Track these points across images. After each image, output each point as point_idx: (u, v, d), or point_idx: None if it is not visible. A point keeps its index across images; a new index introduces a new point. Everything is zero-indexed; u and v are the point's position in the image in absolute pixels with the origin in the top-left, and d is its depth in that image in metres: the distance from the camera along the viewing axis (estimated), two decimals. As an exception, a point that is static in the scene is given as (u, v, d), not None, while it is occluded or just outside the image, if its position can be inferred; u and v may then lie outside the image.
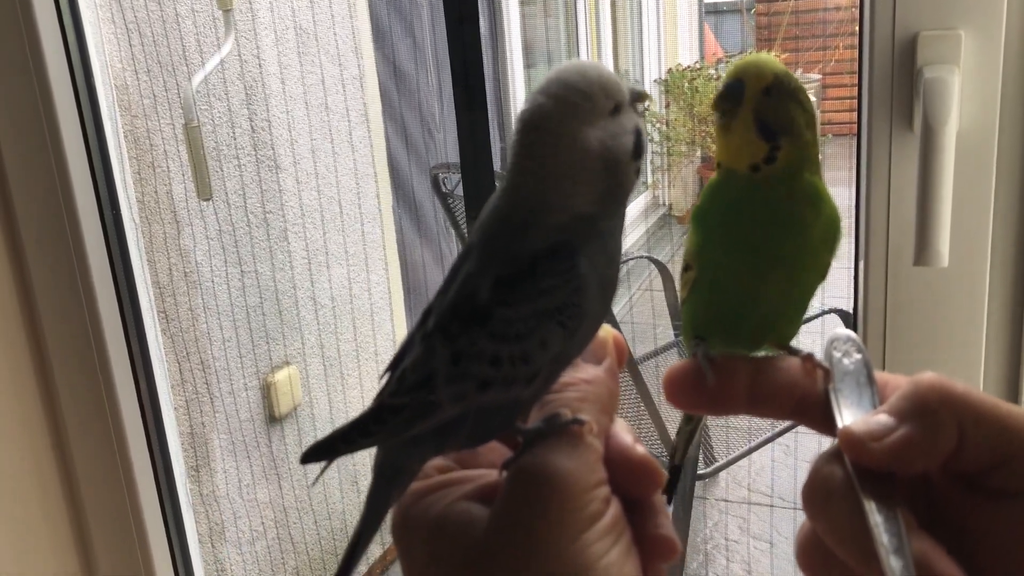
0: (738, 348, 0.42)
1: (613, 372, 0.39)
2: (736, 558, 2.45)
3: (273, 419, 2.08)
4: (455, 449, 0.38)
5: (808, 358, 0.40)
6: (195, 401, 1.85)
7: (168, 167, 1.74)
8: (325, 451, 0.36)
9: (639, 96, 0.38)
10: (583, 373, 0.39)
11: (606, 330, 0.40)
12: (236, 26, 1.82)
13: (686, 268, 0.43)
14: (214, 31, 1.82)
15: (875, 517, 0.33)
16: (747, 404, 0.39)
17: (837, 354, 0.40)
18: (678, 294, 0.45)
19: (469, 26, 1.12)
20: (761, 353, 0.42)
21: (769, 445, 2.31)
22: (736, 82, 0.40)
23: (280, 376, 2.07)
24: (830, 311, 1.96)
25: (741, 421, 2.21)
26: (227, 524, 1.92)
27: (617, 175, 0.36)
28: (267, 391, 2.04)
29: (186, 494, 1.44)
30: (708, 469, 2.17)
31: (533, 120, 0.36)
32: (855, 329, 0.93)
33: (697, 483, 2.41)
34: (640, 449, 0.37)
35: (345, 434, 0.36)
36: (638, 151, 0.37)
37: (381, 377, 0.37)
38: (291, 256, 2.08)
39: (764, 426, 2.16)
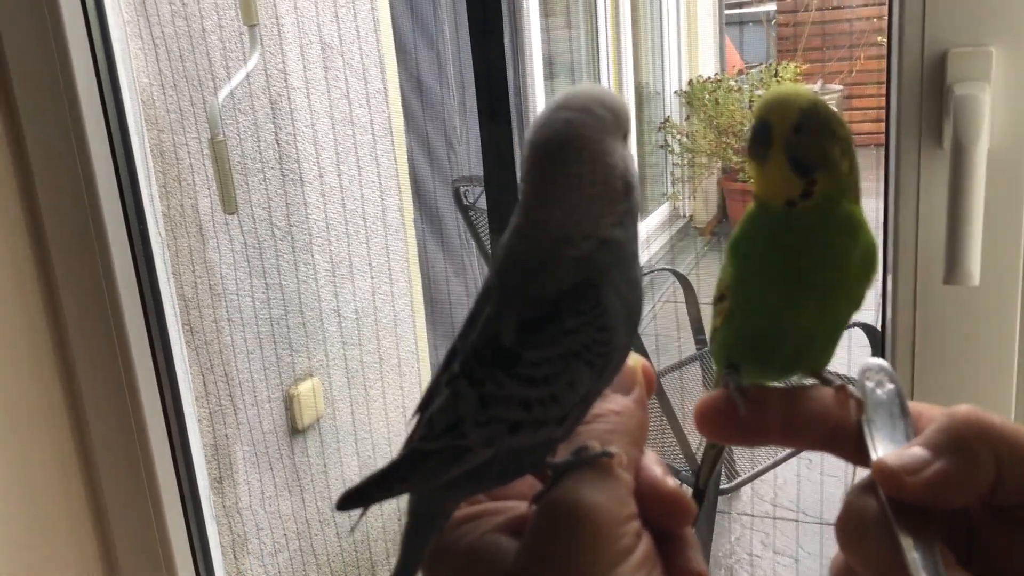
0: (771, 377, 0.41)
1: (642, 402, 0.39)
2: (759, 574, 2.42)
3: (296, 431, 2.08)
4: (488, 489, 0.38)
5: (841, 388, 0.39)
6: (219, 413, 1.86)
7: (194, 181, 1.76)
8: (360, 498, 0.36)
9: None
10: (612, 404, 0.38)
11: (635, 359, 0.39)
12: (261, 41, 1.84)
13: (720, 298, 0.42)
14: (240, 46, 1.84)
15: (912, 553, 0.32)
16: (779, 435, 0.39)
17: (870, 384, 0.39)
18: (710, 322, 0.44)
19: (493, 39, 1.12)
20: (793, 380, 0.42)
21: (794, 459, 2.29)
22: (762, 125, 0.39)
23: (303, 388, 2.07)
24: (855, 325, 1.94)
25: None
26: (250, 536, 1.93)
27: (632, 198, 0.36)
28: (290, 403, 2.05)
29: (209, 506, 1.45)
30: (731, 483, 2.15)
31: (560, 138, 0.34)
32: (883, 346, 0.92)
33: (720, 497, 2.40)
34: (671, 482, 0.36)
35: (380, 480, 0.35)
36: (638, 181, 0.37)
37: (410, 419, 0.37)
38: (315, 269, 2.09)
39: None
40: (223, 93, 1.74)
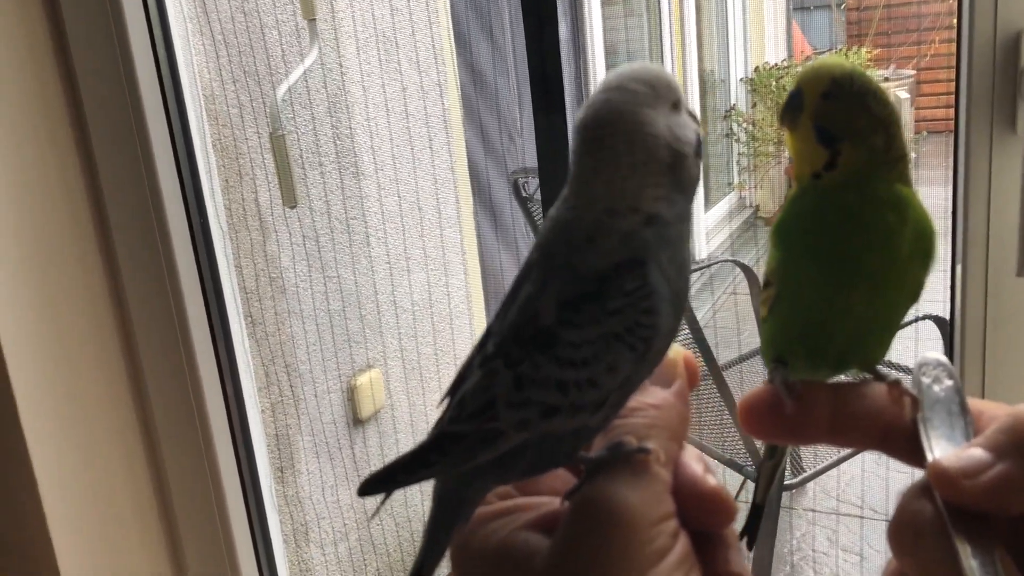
0: (821, 371, 0.40)
1: (683, 395, 0.37)
2: (824, 571, 2.38)
3: (357, 421, 2.10)
4: (517, 479, 0.36)
5: (895, 384, 0.37)
6: (281, 404, 1.89)
7: (255, 175, 1.78)
8: (384, 482, 0.35)
9: (692, 114, 0.36)
10: (651, 397, 0.36)
11: (676, 350, 0.38)
12: (320, 35, 1.85)
13: (766, 285, 0.41)
14: (299, 41, 1.85)
15: (970, 561, 0.31)
16: (828, 433, 0.37)
17: (926, 380, 0.37)
18: (759, 310, 0.43)
19: (548, 28, 1.11)
20: (845, 377, 0.40)
21: (860, 454, 2.23)
22: (795, 91, 0.39)
23: (364, 379, 2.09)
24: (924, 317, 1.88)
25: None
26: (311, 525, 1.96)
27: (683, 169, 0.34)
28: (351, 394, 2.07)
29: (271, 495, 1.47)
30: (796, 479, 2.11)
31: (598, 116, 0.34)
32: (951, 340, 0.88)
33: (785, 493, 2.35)
34: (711, 480, 0.35)
35: (406, 464, 0.34)
36: (699, 149, 0.35)
37: (440, 402, 0.36)
38: (373, 261, 2.10)
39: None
40: (283, 88, 1.76)
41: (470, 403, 0.34)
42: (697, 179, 0.35)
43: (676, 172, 0.34)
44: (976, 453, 0.33)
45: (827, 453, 2.11)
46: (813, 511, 2.57)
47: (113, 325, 1.19)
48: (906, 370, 0.43)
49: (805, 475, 2.10)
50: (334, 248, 2.00)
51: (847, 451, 2.10)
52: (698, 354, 2.06)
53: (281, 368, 1.88)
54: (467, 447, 0.34)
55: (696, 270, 2.92)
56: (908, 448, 0.36)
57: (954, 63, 0.85)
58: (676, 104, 0.35)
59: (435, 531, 0.36)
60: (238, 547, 1.29)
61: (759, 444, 2.01)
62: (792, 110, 0.39)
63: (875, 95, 0.37)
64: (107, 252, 1.17)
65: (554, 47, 1.12)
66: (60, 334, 1.11)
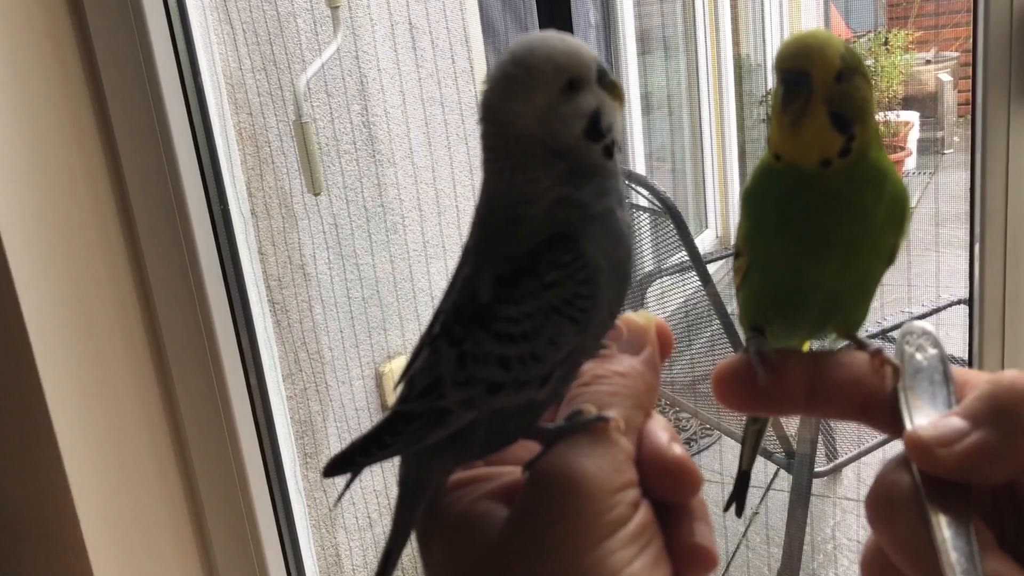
0: (799, 336, 0.39)
1: (652, 363, 0.36)
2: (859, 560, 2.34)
3: (386, 408, 2.12)
4: (476, 457, 0.36)
5: (877, 353, 0.36)
6: (312, 389, 1.91)
7: (280, 162, 1.80)
8: (344, 465, 0.35)
9: (608, 80, 0.34)
10: (617, 365, 0.36)
11: (647, 318, 0.37)
12: (345, 23, 1.86)
13: (737, 255, 0.40)
14: (323, 28, 1.86)
15: (943, 532, 0.30)
16: (806, 404, 0.36)
17: (909, 349, 0.36)
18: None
19: (559, 4, 1.09)
20: (829, 344, 0.39)
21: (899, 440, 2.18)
22: (799, 75, 0.34)
23: (393, 366, 2.11)
24: (957, 302, 1.83)
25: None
26: (337, 511, 1.97)
27: (573, 156, 0.33)
28: (378, 381, 2.08)
29: (296, 480, 1.48)
30: (829, 466, 2.07)
31: (480, 107, 0.33)
32: (971, 321, 0.86)
33: (820, 480, 2.31)
34: (676, 449, 0.34)
35: (362, 447, 0.34)
36: (594, 133, 0.33)
37: (396, 386, 0.36)
38: (406, 247, 2.11)
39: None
40: (306, 76, 1.77)
41: (418, 383, 0.34)
42: (601, 162, 0.33)
43: (564, 161, 0.33)
44: (952, 422, 0.32)
45: (864, 438, 2.07)
46: (851, 500, 2.53)
47: (138, 315, 1.21)
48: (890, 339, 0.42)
49: (838, 461, 2.06)
50: (366, 235, 2.01)
51: (883, 437, 2.05)
52: (728, 344, 2.04)
53: (313, 354, 1.90)
54: (418, 427, 0.34)
55: (730, 255, 2.88)
56: (889, 419, 0.35)
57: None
58: (572, 84, 0.33)
59: (400, 514, 0.36)
60: (262, 532, 1.30)
61: (788, 430, 1.98)
62: (798, 99, 0.34)
63: (864, 64, 0.35)
64: (131, 242, 1.19)
65: (566, 24, 1.11)
66: (86, 326, 1.13)
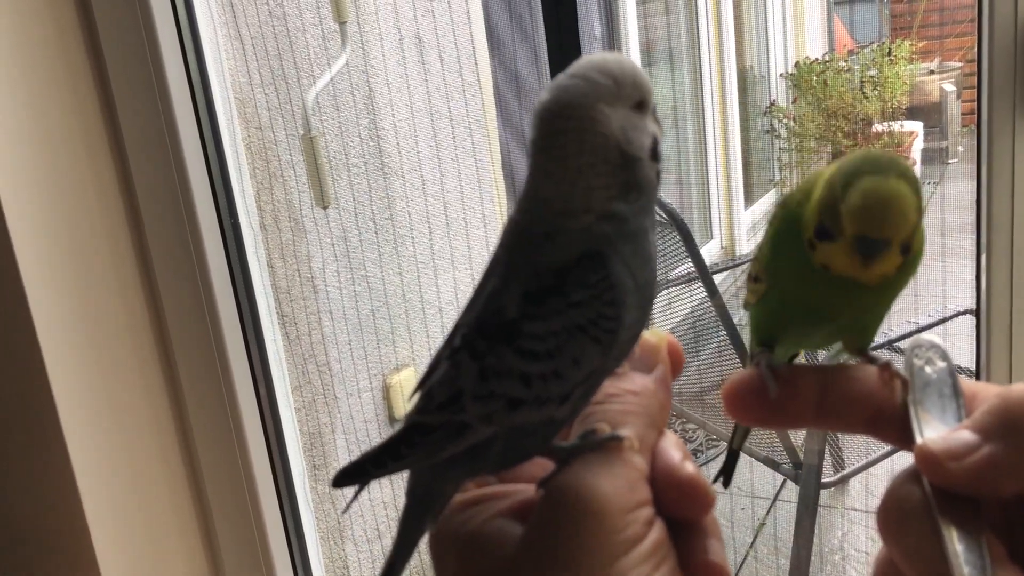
0: (808, 348, 0.39)
1: (664, 382, 0.37)
2: (866, 571, 2.34)
3: (394, 419, 2.12)
4: (489, 472, 0.36)
5: (886, 366, 0.36)
6: (321, 401, 1.91)
7: (286, 176, 1.81)
8: (355, 475, 0.35)
9: (656, 113, 0.35)
10: (629, 383, 0.36)
11: (658, 336, 0.37)
12: (353, 37, 1.87)
13: (756, 279, 0.40)
14: (331, 43, 1.88)
15: (955, 545, 0.30)
16: (815, 417, 0.36)
17: (918, 362, 0.36)
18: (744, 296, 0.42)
19: (565, 17, 1.10)
20: (833, 354, 0.39)
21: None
22: (881, 242, 0.34)
23: (400, 377, 2.11)
24: (964, 312, 1.83)
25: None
26: (346, 522, 1.98)
27: (635, 171, 0.34)
28: (386, 393, 2.09)
29: (305, 492, 1.48)
30: (836, 476, 2.07)
31: (553, 107, 0.33)
32: (978, 331, 0.87)
33: (827, 491, 2.30)
34: (689, 467, 0.34)
35: (375, 457, 0.34)
36: (655, 154, 0.34)
37: (410, 397, 0.36)
38: (414, 260, 2.12)
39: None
40: (315, 89, 1.78)
41: (437, 395, 0.34)
42: (654, 182, 0.34)
43: (628, 173, 0.34)
44: (963, 435, 0.32)
45: (871, 449, 2.06)
46: (859, 511, 2.52)
47: (148, 328, 1.21)
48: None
49: (845, 472, 2.05)
50: (374, 247, 2.02)
51: (889, 447, 2.05)
52: (734, 354, 2.04)
53: (322, 366, 1.91)
54: (435, 440, 0.34)
55: (735, 265, 2.88)
56: (898, 432, 0.35)
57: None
58: (640, 105, 0.34)
59: (407, 525, 0.36)
60: (272, 543, 1.30)
61: (799, 444, 1.98)
62: (877, 256, 0.34)
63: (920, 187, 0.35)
64: (142, 256, 1.20)
65: (575, 43, 1.12)
66: (97, 339, 1.13)
